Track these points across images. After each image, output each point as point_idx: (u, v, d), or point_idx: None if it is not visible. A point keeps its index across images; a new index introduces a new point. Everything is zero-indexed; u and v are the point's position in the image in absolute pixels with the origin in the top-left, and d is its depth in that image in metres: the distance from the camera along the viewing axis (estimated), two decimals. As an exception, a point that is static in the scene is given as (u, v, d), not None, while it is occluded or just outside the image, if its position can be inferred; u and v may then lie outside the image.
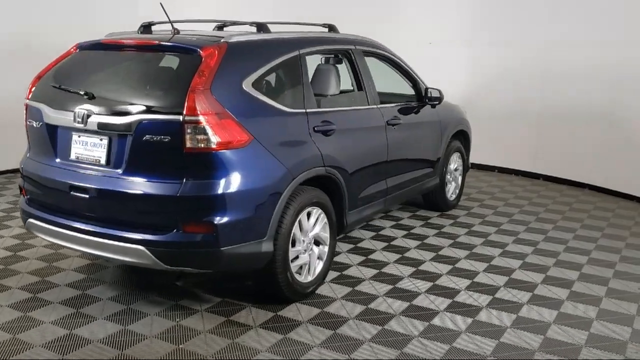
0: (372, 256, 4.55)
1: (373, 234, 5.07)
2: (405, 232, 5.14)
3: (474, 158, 8.07)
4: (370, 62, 5.00)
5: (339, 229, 4.09)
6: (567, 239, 5.12)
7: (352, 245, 4.75)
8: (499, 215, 5.80)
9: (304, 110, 3.70)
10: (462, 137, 6.10)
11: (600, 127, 6.79)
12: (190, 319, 3.48)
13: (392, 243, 4.86)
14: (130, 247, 3.15)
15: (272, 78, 3.64)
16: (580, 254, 4.75)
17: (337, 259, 4.45)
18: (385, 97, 5.45)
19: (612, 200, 6.54)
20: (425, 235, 5.09)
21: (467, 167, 6.18)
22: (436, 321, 3.53)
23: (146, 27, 3.90)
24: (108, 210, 3.28)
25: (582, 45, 6.87)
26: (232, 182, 3.13)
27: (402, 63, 5.07)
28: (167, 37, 3.48)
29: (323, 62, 4.49)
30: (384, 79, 5.39)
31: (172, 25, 3.67)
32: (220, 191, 3.09)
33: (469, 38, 7.92)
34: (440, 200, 5.73)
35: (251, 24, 3.77)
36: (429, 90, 5.14)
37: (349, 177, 4.01)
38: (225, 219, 3.10)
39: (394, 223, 5.40)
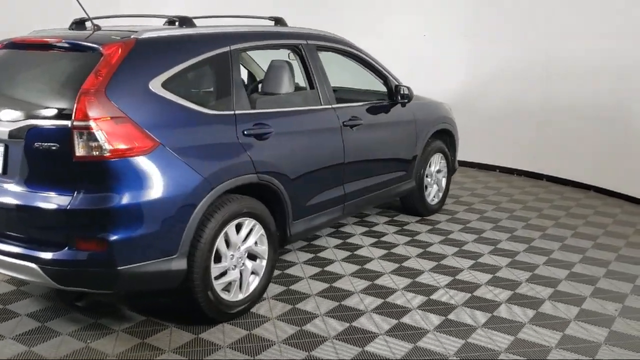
0: (329, 267, 4.19)
1: (339, 242, 4.71)
2: (374, 240, 4.76)
3: (473, 157, 7.68)
4: (338, 58, 4.67)
5: (282, 240, 3.76)
6: (552, 249, 4.66)
7: (311, 255, 4.41)
8: (485, 221, 5.35)
9: (231, 113, 3.36)
10: (447, 137, 5.67)
11: (606, 125, 6.26)
12: (103, 340, 3.20)
13: (356, 252, 4.49)
14: (23, 265, 2.88)
15: (192, 77, 3.32)
16: (563, 267, 4.29)
17: (289, 270, 4.11)
18: (355, 95, 5.09)
19: (616, 204, 6.01)
20: (394, 243, 4.70)
21: (452, 168, 5.75)
22: (372, 348, 3.16)
23: (78, 24, 3.61)
24: (3, 223, 3.02)
25: (586, 39, 6.34)
26: (130, 194, 2.82)
27: (367, 58, 4.67)
28: (71, 35, 3.20)
29: (290, 57, 4.16)
30: (358, 76, 5.03)
31: (92, 22, 3.39)
32: (114, 204, 2.78)
33: (467, 31, 7.44)
34: (419, 204, 5.32)
35: (171, 17, 3.45)
36: (400, 87, 4.74)
37: (291, 184, 3.67)
38: (121, 235, 2.80)
39: (365, 230, 5.02)
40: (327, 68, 5.07)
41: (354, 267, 4.21)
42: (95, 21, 3.42)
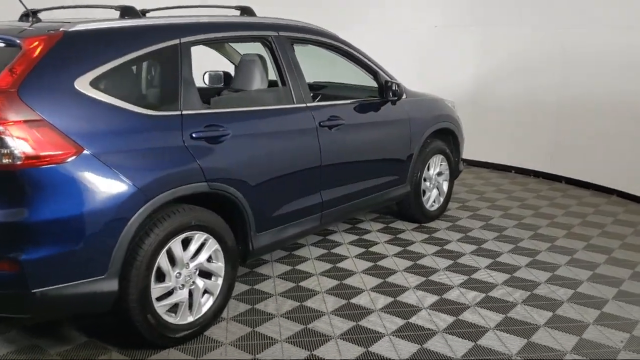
0: (304, 283, 3.81)
1: (323, 252, 4.32)
2: (361, 251, 4.35)
3: (486, 157, 7.17)
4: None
5: (244, 255, 3.39)
6: (558, 263, 4.17)
7: (289, 268, 4.03)
8: (488, 229, 4.88)
9: (177, 113, 2.99)
10: (449, 137, 5.21)
11: (632, 123, 5.68)
12: (33, 366, 2.90)
13: (338, 265, 4.09)
14: None
15: (131, 74, 2.96)
16: (568, 286, 3.81)
17: (260, 286, 3.74)
18: (346, 92, 4.69)
19: (639, 211, 5.45)
20: (382, 255, 4.28)
21: (455, 171, 5.28)
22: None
23: (26, 16, 3.29)
24: None
25: (607, 27, 5.77)
26: (46, 207, 2.48)
27: (353, 52, 4.25)
28: (2, 28, 2.88)
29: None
30: (352, 72, 4.61)
31: (30, 14, 3.08)
32: (27, 219, 2.45)
33: (478, 20, 6.91)
34: (415, 210, 4.88)
35: (117, 7, 3.10)
36: (390, 83, 4.30)
37: (253, 192, 3.29)
38: (35, 254, 2.46)
39: (355, 238, 4.61)
40: (318, 62, 4.71)
41: (332, 282, 3.81)
42: (49, 13, 3.12)
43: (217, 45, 4.71)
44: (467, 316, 3.39)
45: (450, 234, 4.77)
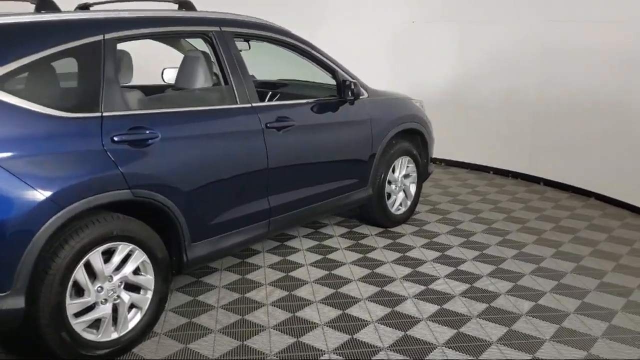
0: (251, 294, 3.59)
1: (278, 259, 4.11)
2: (318, 258, 4.14)
3: (464, 157, 6.96)
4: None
5: (178, 266, 3.18)
6: (523, 272, 3.96)
7: (237, 277, 3.83)
8: (455, 234, 4.67)
9: (96, 115, 2.77)
10: (418, 138, 5.00)
11: (614, 123, 5.45)
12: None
13: (290, 274, 3.88)
14: None
15: (44, 73, 2.73)
16: (529, 297, 3.60)
17: (204, 297, 3.54)
18: (307, 91, 4.48)
19: (616, 216, 5.24)
20: (340, 262, 4.07)
21: (424, 173, 5.07)
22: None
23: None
24: None
25: (586, 23, 5.55)
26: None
27: (307, 48, 4.03)
28: None
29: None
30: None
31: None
32: None
33: (456, 16, 6.70)
34: (379, 214, 4.66)
35: (32, 0, 2.88)
36: (347, 82, 4.08)
37: (187, 199, 3.08)
38: None
39: (314, 244, 4.41)
40: (288, 60, 4.48)
41: (281, 293, 3.60)
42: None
43: (171, 41, 4.51)
44: (417, 332, 3.18)
45: (415, 239, 4.56)
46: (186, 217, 3.09)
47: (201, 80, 3.52)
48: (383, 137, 4.46)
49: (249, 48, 4.15)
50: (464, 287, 3.73)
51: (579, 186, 5.87)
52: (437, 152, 7.12)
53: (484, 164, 6.83)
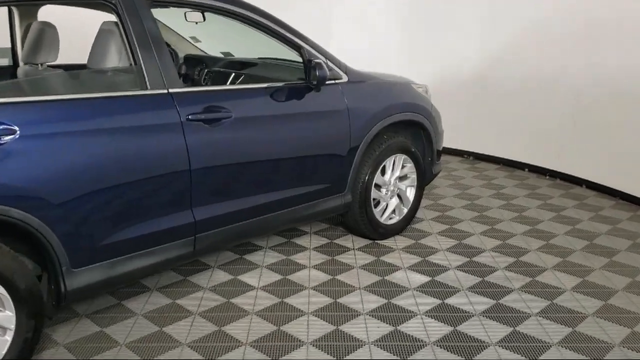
0: (183, 322, 2.90)
1: (229, 278, 3.39)
2: (276, 279, 3.38)
3: (495, 151, 5.97)
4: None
5: (57, 298, 2.50)
6: (528, 313, 3.05)
7: (168, 301, 3.12)
8: (458, 252, 3.78)
9: None
10: (421, 131, 4.12)
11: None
12: None
13: (233, 300, 3.14)
14: None
15: None
16: (529, 351, 2.72)
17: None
18: (283, 73, 3.70)
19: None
20: (300, 287, 3.30)
21: (426, 174, 4.18)
22: None
23: None
24: None
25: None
26: None
27: (260, 19, 3.20)
28: None
29: None
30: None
31: None
32: None
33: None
34: (363, 225, 3.83)
35: None
36: (313, 63, 3.24)
37: (62, 214, 2.39)
38: None
39: (279, 259, 3.65)
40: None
41: (209, 328, 2.88)
42: None
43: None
44: (360, 399, 2.39)
45: (405, 258, 3.71)
46: (61, 237, 2.40)
47: (114, 59, 2.80)
48: (367, 131, 3.62)
49: (204, 20, 3.39)
50: (445, 330, 2.88)
51: (629, 192, 4.81)
52: (464, 144, 6.23)
53: (518, 160, 5.82)
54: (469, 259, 3.69)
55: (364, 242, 3.94)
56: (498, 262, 3.64)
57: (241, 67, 4.01)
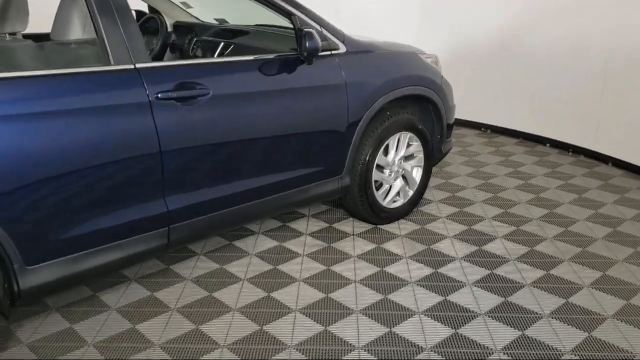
0: (159, 318, 2.66)
1: (214, 267, 3.13)
2: (266, 269, 3.12)
3: (516, 124, 5.59)
4: None
5: (11, 298, 2.27)
6: (540, 314, 2.75)
7: (146, 294, 2.89)
8: (467, 239, 3.47)
9: None
10: (429, 106, 3.77)
11: None
12: None
13: (215, 294, 2.89)
14: None
15: None
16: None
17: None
18: (277, 42, 3.37)
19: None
20: (290, 279, 3.03)
21: (433, 154, 3.84)
22: None
23: None
24: None
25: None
26: None
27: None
28: None
29: None
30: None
31: None
32: None
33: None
34: (364, 209, 3.53)
35: None
36: (303, 32, 2.89)
37: (11, 204, 2.14)
38: None
39: (272, 245, 3.38)
40: None
41: (179, 331, 2.64)
42: None
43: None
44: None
45: (408, 244, 3.41)
46: (10, 231, 2.15)
47: (78, 30, 2.51)
48: (367, 107, 3.28)
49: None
50: (446, 332, 2.59)
51: (658, 171, 4.42)
52: (482, 116, 5.83)
53: (539, 134, 5.42)
54: (478, 248, 3.37)
55: (365, 226, 3.65)
56: (510, 252, 3.32)
57: (233, 35, 3.68)
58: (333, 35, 3.16)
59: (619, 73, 4.58)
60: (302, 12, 3.01)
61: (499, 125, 5.73)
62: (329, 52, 3.11)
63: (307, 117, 3.03)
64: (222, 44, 3.46)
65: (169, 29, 4.02)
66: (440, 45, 5.92)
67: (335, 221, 3.72)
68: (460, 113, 5.91)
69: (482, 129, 5.87)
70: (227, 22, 4.14)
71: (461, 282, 3.01)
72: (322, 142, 3.15)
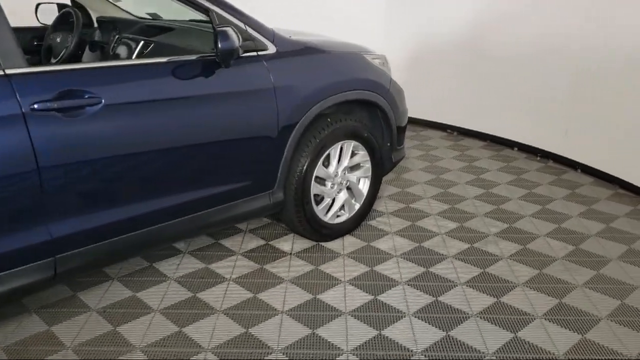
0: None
1: (127, 295, 2.78)
2: (184, 298, 2.78)
3: (484, 126, 5.27)
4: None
5: None
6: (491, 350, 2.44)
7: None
8: (419, 258, 3.15)
9: None
10: (378, 112, 3.44)
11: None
12: None
13: (118, 329, 2.56)
14: None
15: None
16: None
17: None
18: (202, 41, 3.01)
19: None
20: (208, 309, 2.69)
21: (383, 164, 3.50)
22: None
23: None
24: None
25: None
26: None
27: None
28: None
29: None
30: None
31: None
32: None
33: None
34: (301, 225, 3.19)
35: None
36: (220, 30, 2.53)
37: None
38: None
39: (195, 269, 3.04)
40: None
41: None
42: None
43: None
44: None
45: (349, 267, 3.08)
46: None
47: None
48: (301, 114, 2.94)
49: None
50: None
51: (629, 180, 4.11)
52: (449, 117, 5.52)
53: (507, 137, 5.11)
54: (425, 270, 3.05)
55: (306, 244, 3.32)
56: (460, 275, 3.00)
57: (159, 32, 3.31)
58: (260, 34, 2.80)
59: (591, 74, 4.27)
60: (221, 8, 2.65)
61: (466, 127, 5.42)
62: (254, 53, 2.76)
63: (225, 127, 2.67)
64: (142, 42, 3.09)
65: (95, 25, 3.65)
66: (405, 43, 5.60)
67: (275, 237, 3.38)
68: (426, 114, 5.64)
69: (449, 130, 5.55)
70: (160, 17, 3.77)
71: (401, 311, 2.69)
72: (247, 155, 2.80)
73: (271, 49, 2.84)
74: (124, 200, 2.42)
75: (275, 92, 2.81)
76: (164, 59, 2.56)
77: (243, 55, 2.68)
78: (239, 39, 2.59)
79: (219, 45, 2.48)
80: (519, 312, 2.68)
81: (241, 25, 2.71)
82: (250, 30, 2.75)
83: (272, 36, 2.86)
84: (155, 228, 2.55)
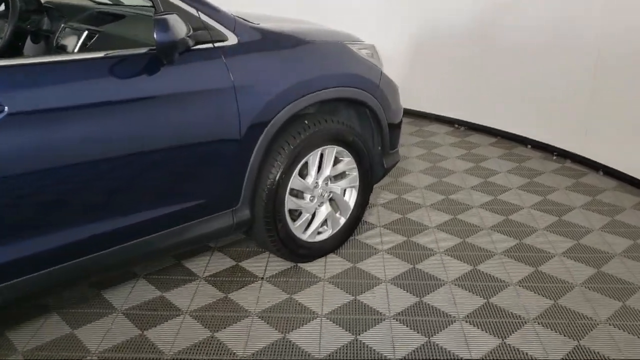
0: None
1: (64, 332, 2.37)
2: (133, 336, 2.35)
3: (495, 122, 4.76)
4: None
5: None
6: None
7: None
8: (411, 284, 2.68)
9: None
10: (367, 112, 2.96)
11: None
12: None
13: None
14: None
15: None
16: None
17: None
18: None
19: None
20: (157, 354, 2.26)
21: (373, 171, 3.02)
22: None
23: None
24: None
25: None
26: None
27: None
28: None
29: None
30: None
31: None
32: None
33: None
34: (273, 245, 2.73)
35: None
36: (160, 19, 2.06)
37: None
38: None
39: (151, 297, 2.60)
40: None
41: None
42: None
43: None
44: None
45: (329, 295, 2.62)
46: None
47: None
48: (269, 117, 2.46)
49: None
50: None
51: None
52: (457, 111, 5.01)
53: (520, 134, 4.60)
54: (418, 300, 2.58)
55: (281, 265, 2.87)
56: (459, 306, 2.54)
57: (110, 20, 2.84)
58: (218, 21, 2.33)
59: (613, 65, 3.74)
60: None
61: (475, 122, 4.91)
62: (210, 45, 2.30)
63: (170, 135, 2.20)
64: (86, 33, 2.63)
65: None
66: (409, 32, 5.10)
67: (247, 257, 2.94)
68: (431, 107, 5.14)
69: (456, 125, 5.04)
70: (119, 1, 3.30)
71: (386, 357, 2.23)
72: (199, 167, 2.33)
73: (232, 39, 2.37)
74: (41, 229, 1.97)
75: (236, 91, 2.34)
76: (100, 54, 2.10)
77: (195, 48, 2.22)
78: (188, 29, 2.14)
79: (155, 37, 2.01)
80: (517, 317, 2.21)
81: (192, 11, 2.24)
82: (204, 17, 2.28)
83: (232, 24, 2.38)
84: (86, 259, 2.10)
